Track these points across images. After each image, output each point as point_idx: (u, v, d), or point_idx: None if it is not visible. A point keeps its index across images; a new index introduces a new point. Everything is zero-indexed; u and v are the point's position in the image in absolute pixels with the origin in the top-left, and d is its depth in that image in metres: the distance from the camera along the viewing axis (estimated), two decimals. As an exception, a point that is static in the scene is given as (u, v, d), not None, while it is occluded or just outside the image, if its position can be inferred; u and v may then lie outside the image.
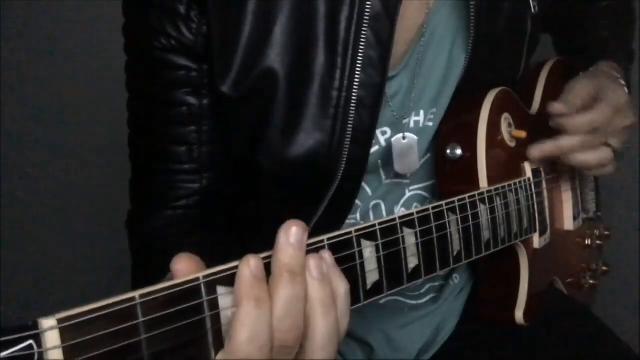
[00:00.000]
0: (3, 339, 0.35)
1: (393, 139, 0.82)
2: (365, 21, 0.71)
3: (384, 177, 0.87)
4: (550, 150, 0.84)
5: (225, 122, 0.78)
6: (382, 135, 0.83)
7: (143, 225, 0.82)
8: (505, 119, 0.84)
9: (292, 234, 0.47)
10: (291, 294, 0.46)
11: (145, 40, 0.75)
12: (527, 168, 0.85)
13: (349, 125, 0.74)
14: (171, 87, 0.76)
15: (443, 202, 0.68)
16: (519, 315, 0.84)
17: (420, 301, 0.93)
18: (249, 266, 0.45)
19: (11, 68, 1.61)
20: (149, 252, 0.80)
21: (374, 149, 0.82)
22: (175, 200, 0.80)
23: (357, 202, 0.85)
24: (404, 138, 0.82)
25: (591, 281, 1.03)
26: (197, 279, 0.45)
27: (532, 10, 0.86)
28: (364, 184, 0.85)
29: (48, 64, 1.66)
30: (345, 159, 0.75)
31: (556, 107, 0.82)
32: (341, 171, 0.76)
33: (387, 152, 0.83)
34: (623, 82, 0.91)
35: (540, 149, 0.84)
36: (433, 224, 0.66)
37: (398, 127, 0.83)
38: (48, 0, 1.61)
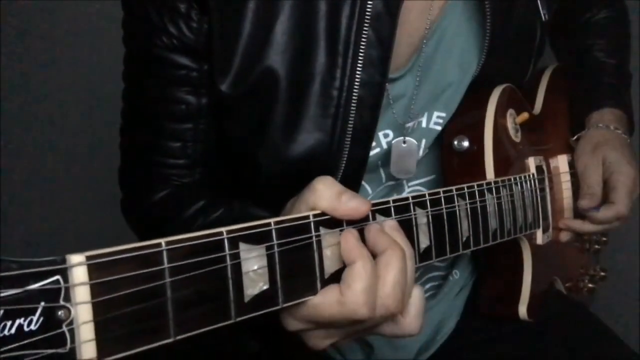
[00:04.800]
0: (31, 270, 0.35)
1: (393, 142, 0.82)
2: (367, 20, 0.72)
3: (384, 178, 0.87)
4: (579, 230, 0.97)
5: (225, 121, 0.78)
6: (384, 137, 0.83)
7: (142, 206, 0.82)
8: (511, 115, 0.85)
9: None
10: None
11: (146, 37, 0.75)
12: (532, 164, 0.86)
13: (350, 125, 0.74)
14: (171, 85, 0.76)
15: (453, 188, 0.68)
16: (523, 310, 0.84)
17: None
18: (352, 233, 0.53)
19: (12, 66, 1.62)
20: (157, 222, 0.80)
21: (375, 150, 0.82)
22: (168, 187, 0.81)
23: (358, 200, 0.85)
24: (404, 142, 0.82)
25: (590, 285, 1.04)
26: (221, 233, 0.45)
27: (543, 18, 0.88)
28: (364, 183, 0.85)
29: (49, 58, 1.67)
30: (345, 158, 0.75)
31: (584, 203, 0.93)
32: (341, 170, 0.76)
33: (388, 154, 0.84)
34: (625, 137, 0.99)
35: (570, 226, 0.96)
36: (443, 207, 0.66)
37: (401, 129, 0.83)
38: (48, 0, 1.62)
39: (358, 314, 0.51)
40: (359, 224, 0.56)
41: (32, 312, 0.35)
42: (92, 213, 1.68)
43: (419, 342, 0.93)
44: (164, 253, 0.41)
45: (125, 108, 0.82)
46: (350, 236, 0.53)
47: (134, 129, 0.82)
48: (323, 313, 0.52)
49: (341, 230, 0.54)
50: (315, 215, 0.52)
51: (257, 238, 0.47)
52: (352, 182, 0.79)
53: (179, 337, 0.41)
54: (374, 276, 0.53)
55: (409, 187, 0.89)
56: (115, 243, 0.39)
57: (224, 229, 0.45)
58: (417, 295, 0.57)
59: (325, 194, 0.54)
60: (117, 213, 0.87)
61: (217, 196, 0.81)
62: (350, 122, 0.74)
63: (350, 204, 0.53)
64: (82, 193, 1.71)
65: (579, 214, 0.96)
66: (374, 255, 0.54)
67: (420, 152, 0.85)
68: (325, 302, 0.52)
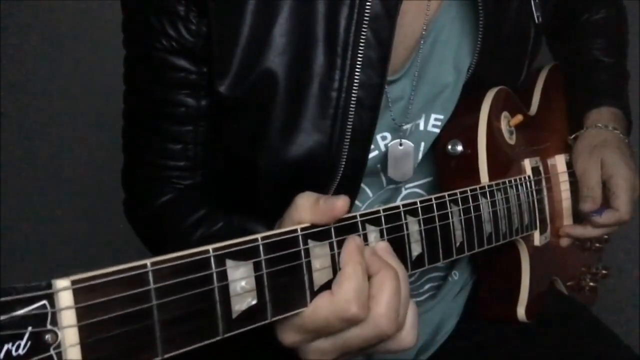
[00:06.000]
0: (17, 297, 0.36)
1: (390, 144, 0.82)
2: (365, 21, 0.72)
3: (384, 181, 0.87)
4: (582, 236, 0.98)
5: (224, 123, 0.78)
6: (382, 140, 0.83)
7: (144, 208, 0.83)
8: (505, 117, 0.85)
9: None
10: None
11: (145, 39, 0.75)
12: (527, 166, 0.86)
13: (349, 126, 0.74)
14: (170, 88, 0.77)
15: (445, 194, 0.69)
16: (521, 311, 0.84)
17: (419, 299, 0.94)
18: (355, 240, 0.56)
19: (12, 66, 1.63)
20: (159, 226, 0.82)
21: (374, 153, 0.82)
22: (171, 191, 0.82)
23: (357, 203, 0.86)
24: (400, 144, 0.82)
25: (591, 283, 1.04)
26: (207, 251, 0.45)
27: (536, 20, 0.88)
28: (364, 186, 0.86)
29: (49, 58, 1.68)
30: (344, 160, 0.75)
31: (586, 207, 0.93)
32: (340, 172, 0.76)
33: (387, 157, 0.84)
34: (623, 136, 0.99)
35: (571, 233, 0.97)
36: (436, 214, 0.67)
37: (399, 132, 0.83)
38: (48, 0, 1.63)
39: (349, 311, 0.53)
40: (349, 235, 0.56)
41: (20, 337, 0.36)
42: (92, 214, 1.69)
43: (418, 343, 0.94)
44: (150, 274, 0.41)
45: (126, 109, 0.84)
46: (352, 242, 0.56)
47: (135, 131, 0.83)
48: (317, 318, 0.53)
49: (330, 243, 0.55)
50: (303, 229, 0.53)
51: (245, 254, 0.48)
52: (351, 184, 0.79)
53: (166, 356, 0.42)
54: (365, 281, 0.54)
55: (405, 189, 0.89)
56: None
57: (210, 247, 0.45)
58: (411, 308, 0.58)
59: (306, 205, 0.55)
60: (116, 215, 0.89)
61: (217, 206, 0.81)
62: (349, 123, 0.74)
63: (327, 203, 0.54)
64: (83, 195, 1.72)
65: (578, 215, 0.96)
66: (368, 277, 0.55)
67: (420, 155, 0.86)
68: (317, 308, 0.53)
